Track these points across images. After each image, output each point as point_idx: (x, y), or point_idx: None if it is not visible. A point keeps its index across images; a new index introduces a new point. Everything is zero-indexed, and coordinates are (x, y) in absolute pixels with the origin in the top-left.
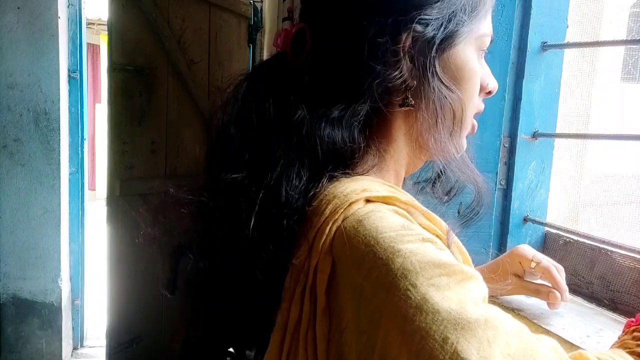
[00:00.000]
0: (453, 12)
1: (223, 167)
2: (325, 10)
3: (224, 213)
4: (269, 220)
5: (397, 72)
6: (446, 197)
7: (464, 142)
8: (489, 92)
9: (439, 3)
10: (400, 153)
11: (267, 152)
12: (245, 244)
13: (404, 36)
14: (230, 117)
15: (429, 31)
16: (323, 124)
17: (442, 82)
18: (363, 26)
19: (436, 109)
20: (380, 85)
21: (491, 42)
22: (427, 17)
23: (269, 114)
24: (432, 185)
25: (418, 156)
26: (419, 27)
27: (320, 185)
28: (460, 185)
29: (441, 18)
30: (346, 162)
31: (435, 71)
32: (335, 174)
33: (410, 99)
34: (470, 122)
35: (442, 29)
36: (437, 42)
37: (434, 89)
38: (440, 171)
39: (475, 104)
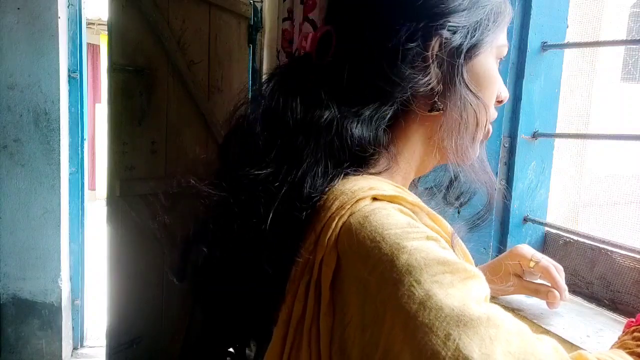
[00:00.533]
0: (478, 21)
1: (246, 162)
2: (354, 14)
3: (244, 207)
4: (288, 215)
5: (427, 78)
6: (457, 202)
7: (477, 149)
8: (501, 101)
9: (465, 12)
10: (413, 155)
11: (294, 150)
12: (260, 237)
13: (433, 42)
14: (257, 115)
15: (457, 38)
16: (354, 124)
17: (468, 88)
18: (395, 30)
19: (461, 114)
20: (410, 89)
21: (508, 52)
22: (455, 24)
23: (297, 112)
24: (445, 190)
25: (432, 159)
26: (447, 34)
27: (335, 182)
28: (472, 191)
29: (468, 26)
30: (363, 162)
31: (463, 78)
32: (349, 171)
33: (439, 103)
34: (486, 129)
35: (469, 36)
36: (465, 49)
37: (460, 95)
38: (454, 177)
39: (492, 111)
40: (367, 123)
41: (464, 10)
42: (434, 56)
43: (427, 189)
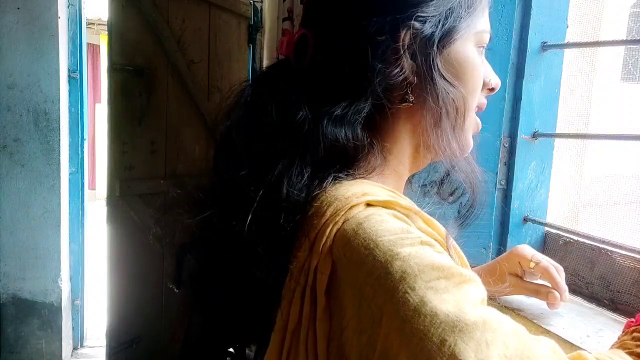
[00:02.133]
0: (450, 8)
1: (226, 167)
2: (326, 15)
3: (224, 211)
4: (267, 216)
5: (397, 69)
6: (451, 198)
7: (470, 142)
8: (492, 89)
9: (434, 1)
10: (404, 152)
11: (269, 152)
12: (243, 240)
13: (402, 33)
14: (233, 121)
15: (427, 28)
16: (325, 122)
17: (443, 77)
18: (362, 26)
19: (439, 104)
20: (381, 82)
21: (490, 39)
22: (424, 14)
23: (272, 115)
24: (438, 187)
25: (423, 155)
26: (417, 24)
27: (323, 186)
28: (464, 186)
29: (438, 15)
30: (350, 163)
31: (437, 67)
32: (340, 175)
33: (410, 95)
34: (473, 119)
35: (440, 25)
36: (437, 38)
37: (436, 85)
38: (447, 173)
39: (477, 99)
40: (340, 121)
41: (431, 0)
42: (405, 48)
43: (422, 186)
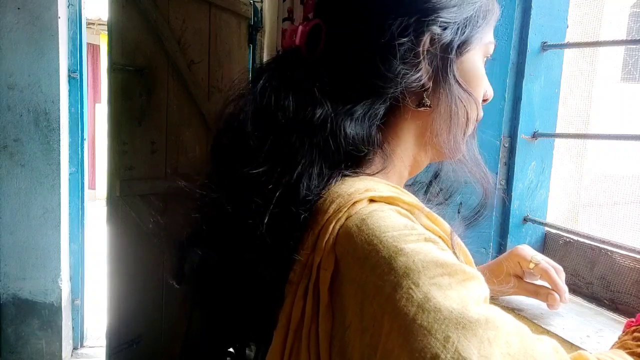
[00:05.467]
0: (469, 17)
1: (238, 162)
2: (345, 6)
3: (238, 208)
4: (284, 218)
5: (418, 74)
6: (440, 199)
7: (462, 146)
8: (485, 100)
9: (456, 8)
10: (407, 154)
11: (288, 150)
12: (256, 239)
13: (425, 37)
14: (247, 114)
15: (448, 34)
16: (348, 122)
17: (459, 84)
18: (387, 25)
19: (451, 110)
20: (401, 85)
21: (494, 49)
22: (446, 20)
23: (289, 110)
24: (426, 187)
25: (425, 157)
26: (438, 30)
27: (330, 183)
28: (454, 187)
29: (458, 22)
30: (358, 162)
31: (454, 74)
32: (346, 172)
33: (427, 99)
34: (473, 125)
35: (459, 33)
36: (455, 45)
37: (451, 91)
38: (435, 173)
39: (480, 109)
40: (361, 121)
41: (454, 6)
42: (425, 52)
43: (408, 185)
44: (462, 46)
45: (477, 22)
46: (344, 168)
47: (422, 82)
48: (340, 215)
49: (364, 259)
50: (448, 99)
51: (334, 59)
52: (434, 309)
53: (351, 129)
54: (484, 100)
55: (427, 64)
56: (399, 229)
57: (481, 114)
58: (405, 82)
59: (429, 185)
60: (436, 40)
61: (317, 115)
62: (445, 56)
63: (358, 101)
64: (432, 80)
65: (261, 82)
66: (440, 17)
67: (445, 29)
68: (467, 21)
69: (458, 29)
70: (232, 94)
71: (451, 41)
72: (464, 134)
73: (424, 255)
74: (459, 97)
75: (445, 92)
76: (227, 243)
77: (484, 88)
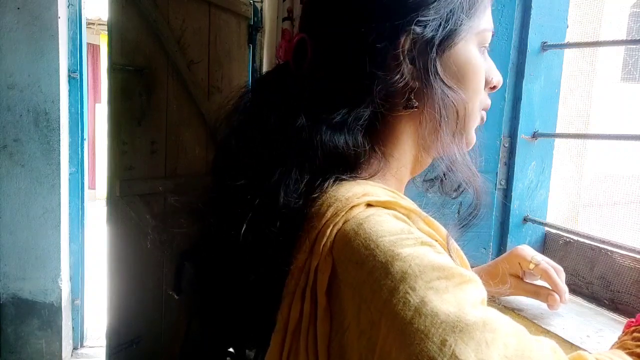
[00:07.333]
0: (451, 11)
1: (225, 176)
2: (324, 20)
3: (221, 220)
4: (263, 224)
5: (398, 76)
6: (454, 194)
7: (473, 136)
8: (494, 87)
9: (435, 4)
10: (406, 156)
11: (267, 159)
12: (241, 248)
13: (402, 39)
14: (232, 128)
15: (428, 32)
16: (324, 129)
17: (443, 82)
18: (362, 33)
19: (439, 109)
20: (382, 89)
21: (492, 36)
22: (424, 18)
23: (270, 123)
24: (440, 182)
25: (427, 156)
26: (417, 29)
27: (325, 187)
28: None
29: (439, 18)
30: (352, 166)
31: (437, 72)
32: (342, 176)
33: (414, 100)
34: (478, 117)
35: (440, 29)
36: (437, 42)
37: (436, 89)
38: (445, 170)
39: (481, 99)
40: (340, 127)
41: (432, 3)
42: (405, 53)
43: (425, 181)
44: (445, 41)
45: (460, 14)
46: (339, 172)
47: (403, 84)
48: (337, 219)
49: (361, 263)
50: (434, 98)
51: (317, 70)
52: (431, 312)
53: (327, 136)
54: (492, 88)
55: (409, 64)
56: (396, 233)
57: (488, 102)
58: (386, 86)
59: (442, 181)
60: (417, 39)
61: (295, 125)
62: (426, 54)
63: (335, 109)
64: (417, 80)
65: (247, 97)
66: (418, 17)
67: (425, 27)
68: (449, 15)
69: (439, 25)
70: (228, 107)
71: (432, 38)
72: (454, 133)
73: (421, 260)
74: (445, 94)
75: (431, 91)
76: (219, 255)
77: (482, 78)
